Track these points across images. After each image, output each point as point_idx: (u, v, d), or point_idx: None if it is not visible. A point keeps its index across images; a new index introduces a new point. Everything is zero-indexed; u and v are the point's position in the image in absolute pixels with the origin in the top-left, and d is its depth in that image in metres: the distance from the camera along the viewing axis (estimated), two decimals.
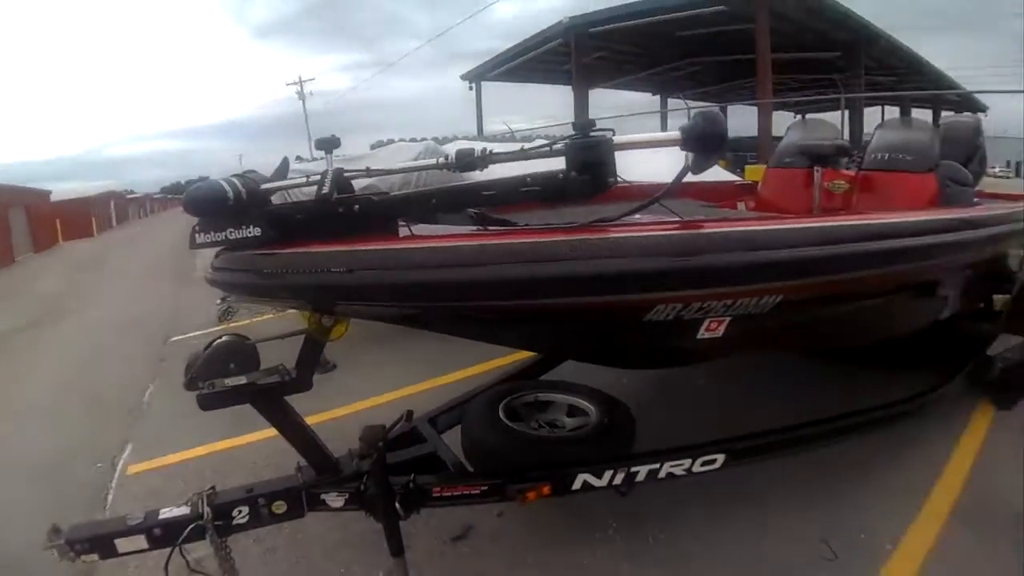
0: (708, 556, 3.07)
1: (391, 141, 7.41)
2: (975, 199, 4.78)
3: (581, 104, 23.70)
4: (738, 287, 2.32)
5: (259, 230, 2.16)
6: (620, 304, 2.21)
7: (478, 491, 2.72)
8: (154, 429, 4.85)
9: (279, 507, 2.57)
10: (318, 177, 2.28)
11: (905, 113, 23.96)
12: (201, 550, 2.53)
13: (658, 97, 32.57)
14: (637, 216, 2.47)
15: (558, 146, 2.26)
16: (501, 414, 3.14)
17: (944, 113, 23.06)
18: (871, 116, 26.72)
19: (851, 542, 3.12)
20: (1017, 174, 38.14)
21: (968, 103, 27.70)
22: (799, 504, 3.43)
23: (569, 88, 25.44)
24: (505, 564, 3.06)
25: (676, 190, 2.46)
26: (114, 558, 2.40)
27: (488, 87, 28.92)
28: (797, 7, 16.53)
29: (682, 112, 24.48)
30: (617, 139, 2.26)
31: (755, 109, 18.60)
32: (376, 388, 5.15)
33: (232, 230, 2.16)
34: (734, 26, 18.27)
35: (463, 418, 3.27)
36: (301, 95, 45.18)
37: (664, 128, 22.73)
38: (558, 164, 2.23)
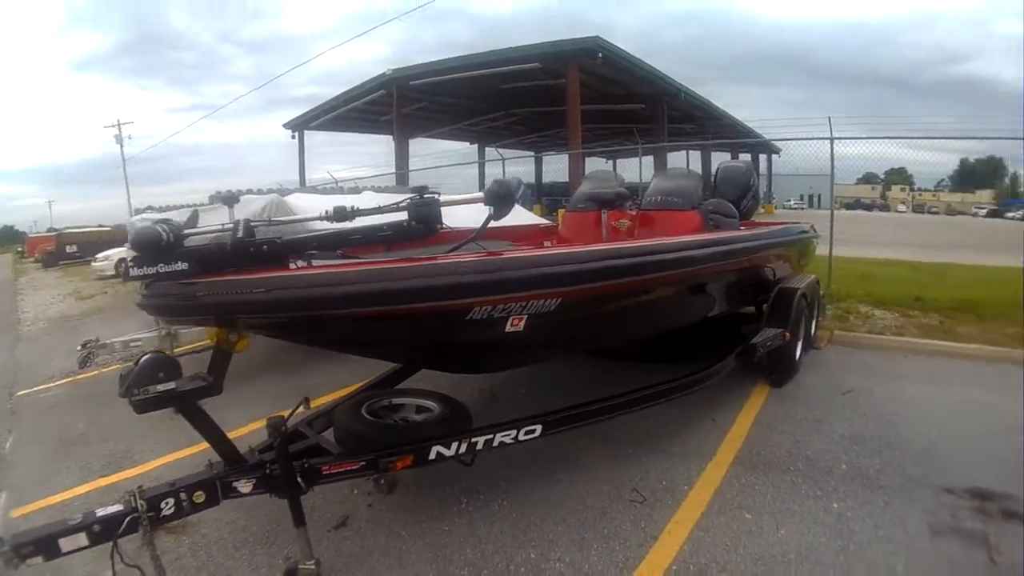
0: (544, 509, 3.89)
1: (229, 192, 7.74)
2: (739, 227, 6.11)
3: (402, 153, 24.41)
4: (526, 292, 3.21)
5: (186, 264, 2.78)
6: (450, 307, 3.01)
7: (357, 466, 3.32)
8: (24, 476, 4.84)
9: (199, 497, 3.01)
10: (230, 225, 3.11)
11: (705, 157, 26.76)
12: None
13: (476, 146, 33.95)
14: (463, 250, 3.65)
15: (403, 204, 3.45)
16: (364, 413, 3.81)
17: (742, 156, 25.93)
18: (677, 159, 29.59)
19: (655, 488, 4.11)
20: (810, 205, 43.11)
21: (764, 146, 31.31)
22: (612, 465, 4.42)
23: (390, 137, 26.14)
24: (383, 537, 3.66)
25: (486, 233, 3.71)
26: (58, 557, 2.67)
27: (309, 135, 29.00)
28: (604, 65, 18.16)
29: (498, 161, 25.94)
30: (443, 198, 3.52)
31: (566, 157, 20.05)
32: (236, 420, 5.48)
33: (163, 265, 2.75)
34: (547, 81, 19.76)
35: (333, 419, 3.89)
36: (119, 139, 42.98)
37: (482, 176, 24.16)
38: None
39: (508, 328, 3.26)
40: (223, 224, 3.21)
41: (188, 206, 8.80)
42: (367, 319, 2.90)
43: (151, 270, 2.76)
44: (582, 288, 3.47)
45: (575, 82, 18.16)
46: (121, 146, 44.21)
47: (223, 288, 2.72)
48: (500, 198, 3.39)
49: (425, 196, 3.40)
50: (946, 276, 12.15)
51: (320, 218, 3.48)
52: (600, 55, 17.52)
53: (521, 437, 3.69)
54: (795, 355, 6.32)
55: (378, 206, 3.58)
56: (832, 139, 11.20)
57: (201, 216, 4.71)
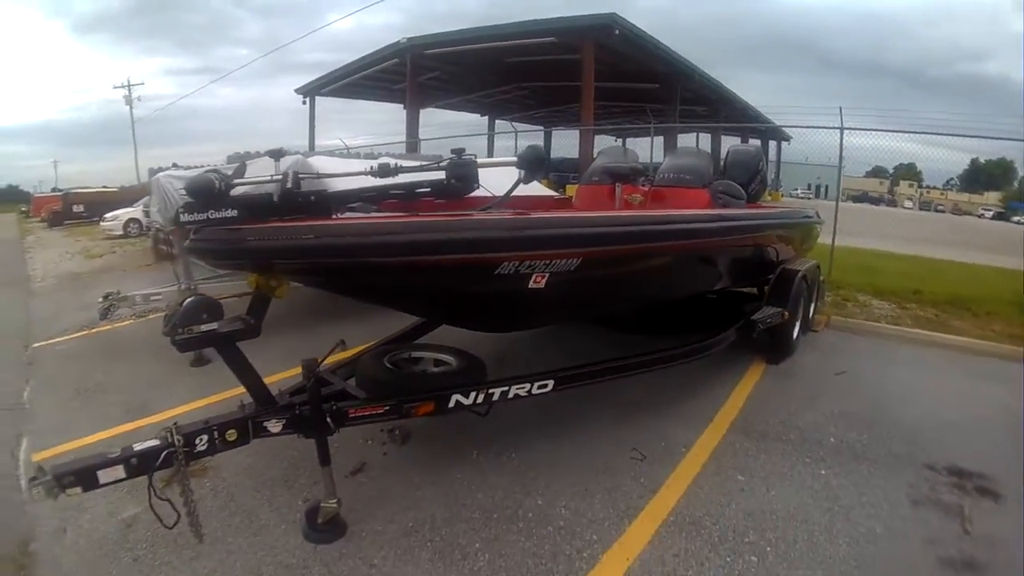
0: (550, 463, 4.17)
1: (247, 153, 7.93)
2: (744, 208, 6.36)
3: (413, 122, 24.26)
4: (549, 250, 3.42)
5: (235, 211, 2.98)
6: (481, 260, 3.20)
7: (382, 410, 3.52)
8: (43, 423, 4.92)
9: (231, 435, 3.16)
10: (279, 177, 3.28)
11: (716, 140, 26.75)
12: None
13: (486, 119, 33.95)
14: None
15: (443, 163, 3.58)
16: (386, 363, 4.04)
17: (752, 141, 25.97)
18: (687, 140, 29.51)
19: (655, 448, 4.40)
20: (817, 196, 43.10)
21: (774, 133, 31.27)
22: (615, 427, 4.71)
23: (397, 106, 26.14)
24: (398, 483, 3.91)
25: (511, 200, 3.94)
26: (95, 489, 2.80)
27: (319, 101, 28.75)
28: (620, 42, 18.07)
29: (510, 134, 25.99)
30: (480, 160, 3.62)
31: (578, 133, 20.16)
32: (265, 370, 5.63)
33: (213, 211, 2.95)
34: (562, 56, 19.66)
35: (357, 368, 4.13)
36: (129, 100, 42.65)
37: (491, 147, 24.27)
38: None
39: (531, 284, 3.46)
40: (271, 175, 3.37)
41: (210, 166, 8.93)
42: (404, 269, 3.07)
43: (202, 216, 2.95)
44: (600, 250, 3.71)
45: (590, 58, 18.03)
46: (131, 107, 44.17)
47: (272, 234, 2.87)
48: (532, 162, 3.57)
49: (464, 157, 3.56)
50: (945, 272, 12.33)
51: (366, 173, 3.61)
52: (617, 32, 17.39)
53: (535, 391, 3.91)
54: (792, 335, 6.59)
55: (419, 164, 3.81)
56: (842, 129, 11.25)
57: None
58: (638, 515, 3.56)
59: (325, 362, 3.70)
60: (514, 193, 4.00)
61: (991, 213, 58.66)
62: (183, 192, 3.35)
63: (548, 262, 3.42)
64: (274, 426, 3.29)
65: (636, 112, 26.10)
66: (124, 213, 22.89)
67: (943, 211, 55.78)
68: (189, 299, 3.17)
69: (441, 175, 3.55)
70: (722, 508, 3.65)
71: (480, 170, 3.59)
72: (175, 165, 10.36)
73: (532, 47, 19.52)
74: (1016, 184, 79.36)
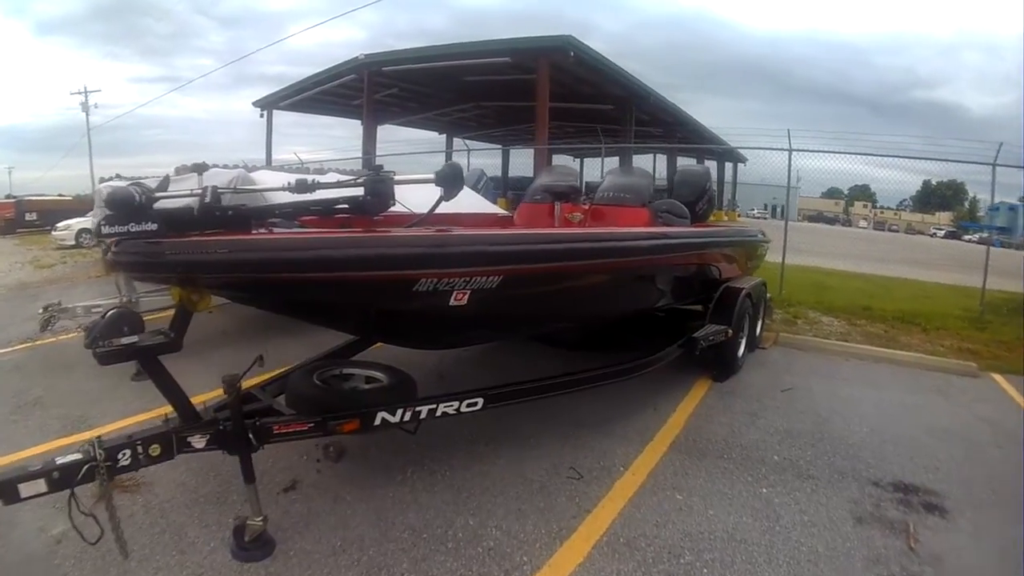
0: (484, 482, 4.02)
1: (204, 164, 7.79)
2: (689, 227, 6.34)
3: (370, 139, 24.19)
4: (469, 268, 3.34)
5: (155, 225, 2.85)
6: (399, 277, 3.13)
7: (307, 427, 3.41)
8: None
9: (155, 450, 3.06)
10: (199, 191, 3.20)
11: (671, 162, 27.05)
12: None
13: (444, 136, 33.90)
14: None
15: (360, 180, 3.54)
16: (316, 380, 3.88)
17: (708, 163, 26.25)
18: (644, 161, 29.76)
19: (593, 467, 4.26)
20: (773, 215, 43.86)
21: (731, 155, 31.71)
22: (553, 444, 4.58)
23: (358, 122, 25.96)
24: (329, 502, 3.75)
25: (444, 218, 3.89)
26: (17, 502, 2.72)
27: (278, 115, 28.55)
28: (575, 63, 18.23)
29: (464, 152, 26.04)
30: (396, 177, 3.53)
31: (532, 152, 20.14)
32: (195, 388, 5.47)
33: (134, 224, 2.81)
34: (518, 76, 19.77)
35: (286, 384, 3.98)
36: (86, 107, 41.85)
37: None
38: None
39: (452, 302, 3.38)
40: (192, 190, 3.30)
41: (155, 177, 8.73)
42: (321, 284, 2.99)
43: (122, 228, 2.82)
44: (522, 268, 3.61)
45: (545, 78, 18.18)
46: (87, 114, 43.21)
47: (188, 248, 2.79)
48: (450, 179, 3.47)
49: (381, 174, 3.51)
50: (896, 290, 12.55)
51: (283, 188, 3.57)
52: (572, 54, 17.54)
53: (463, 408, 3.80)
54: (738, 352, 6.55)
55: (337, 180, 3.72)
56: (790, 151, 11.50)
57: (172, 183, 4.78)
58: (571, 536, 3.43)
59: (257, 378, 3.70)
60: (459, 211, 3.92)
61: (943, 232, 60.27)
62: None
63: (468, 279, 3.35)
64: (198, 441, 3.20)
65: (592, 132, 26.27)
66: (76, 223, 22.34)
67: (897, 231, 57.15)
68: (110, 311, 3.06)
69: (360, 191, 3.51)
70: (658, 528, 3.53)
71: (408, 190, 3.60)
72: (118, 176, 10.09)
73: (489, 66, 19.61)
74: (967, 204, 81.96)
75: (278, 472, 4.01)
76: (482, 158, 26.57)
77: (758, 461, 4.43)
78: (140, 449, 3.02)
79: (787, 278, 10.78)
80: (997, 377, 7.24)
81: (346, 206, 3.59)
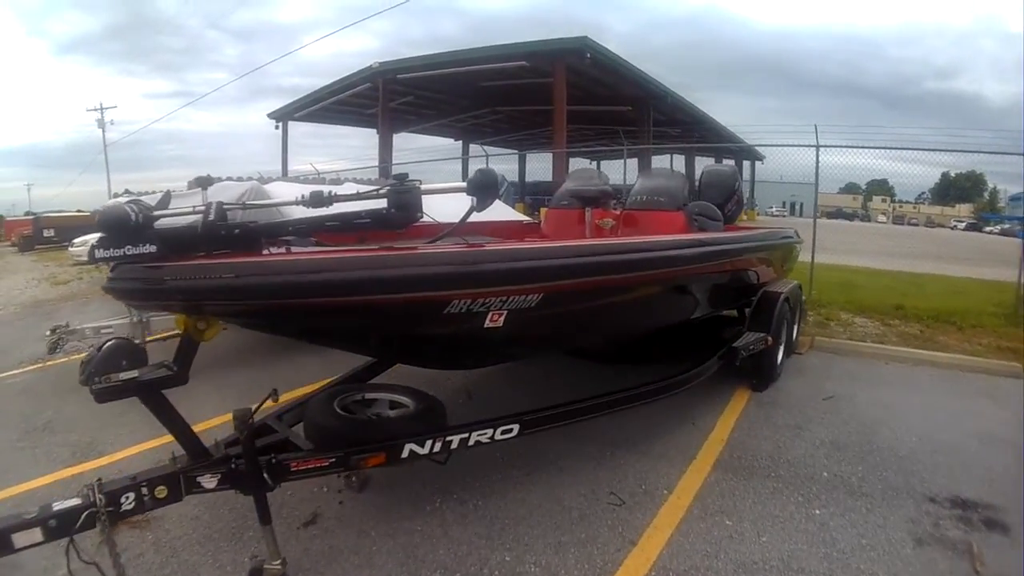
0: (520, 512, 3.76)
1: (208, 177, 7.62)
2: (724, 230, 6.06)
3: (386, 147, 24.09)
4: (507, 286, 3.10)
5: (155, 247, 2.62)
6: (428, 300, 2.88)
7: (327, 463, 3.18)
8: None
9: (161, 492, 2.86)
10: (202, 208, 2.91)
11: (690, 161, 26.73)
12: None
13: (460, 143, 33.80)
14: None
15: (383, 191, 3.18)
16: (336, 407, 3.65)
17: (726, 162, 25.97)
18: (661, 162, 29.55)
19: (634, 491, 4.01)
20: (792, 213, 43.44)
21: (748, 152, 31.39)
22: (590, 468, 4.32)
23: (373, 131, 25.88)
24: (352, 537, 3.52)
25: (468, 227, 3.44)
26: (11, 553, 2.54)
27: (293, 126, 28.63)
28: (591, 65, 18.07)
29: (482, 158, 25.82)
30: (424, 187, 3.20)
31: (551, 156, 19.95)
32: (213, 411, 5.33)
33: (130, 247, 2.59)
34: (534, 79, 19.64)
35: (305, 413, 3.73)
36: (102, 124, 42.26)
37: (465, 172, 24.10)
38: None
39: (488, 323, 3.14)
40: (194, 206, 3.05)
41: (159, 192, 8.59)
42: (340, 310, 2.76)
43: (118, 252, 2.60)
44: (564, 284, 3.36)
45: (561, 81, 18.06)
46: (103, 131, 43.74)
47: (191, 272, 2.57)
48: (483, 188, 3.16)
49: (406, 183, 3.20)
50: (926, 286, 12.26)
51: (296, 203, 3.30)
52: (588, 55, 17.42)
53: (498, 436, 3.57)
54: (777, 360, 6.27)
55: (356, 192, 3.41)
56: (818, 147, 11.20)
57: (175, 200, 4.53)
58: (617, 570, 3.19)
59: (268, 408, 3.34)
60: (482, 218, 3.61)
61: (963, 224, 59.35)
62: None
63: (505, 299, 3.11)
64: (208, 481, 2.99)
65: (609, 134, 26.10)
66: (93, 238, 22.29)
67: (916, 224, 56.29)
68: (106, 343, 2.83)
69: (382, 204, 3.20)
70: (710, 560, 3.28)
71: (429, 197, 3.24)
72: (127, 191, 10.01)
73: (504, 71, 19.53)
74: (987, 195, 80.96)
75: (297, 504, 3.80)
76: (498, 163, 26.39)
77: (808, 479, 4.19)
78: (145, 491, 2.84)
79: (815, 278, 10.50)
80: None
81: (367, 221, 3.27)
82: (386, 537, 3.51)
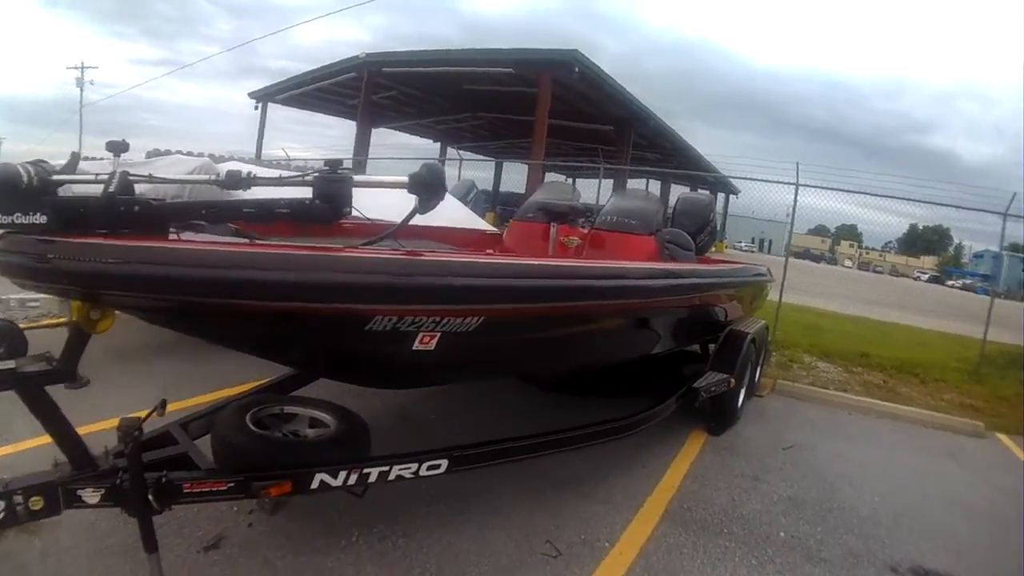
0: (444, 556, 3.33)
1: (168, 152, 7.18)
2: (695, 261, 5.75)
3: (363, 140, 23.66)
4: (440, 305, 2.68)
5: (45, 218, 2.20)
6: (346, 312, 2.47)
7: (225, 487, 2.77)
8: None
9: (36, 503, 2.44)
10: (105, 176, 2.46)
11: (666, 188, 26.64)
12: None
13: (438, 145, 33.40)
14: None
15: (308, 178, 2.74)
16: (248, 421, 3.17)
17: (701, 191, 25.97)
18: (638, 186, 29.45)
19: (573, 542, 3.57)
20: (760, 249, 43.76)
21: (723, 185, 31.46)
22: (527, 509, 3.86)
23: (354, 123, 25.40)
24: (257, 567, 3.11)
25: (420, 231, 2.96)
26: None
27: (275, 109, 27.83)
28: (579, 80, 17.85)
29: (455, 161, 25.45)
30: (357, 178, 2.78)
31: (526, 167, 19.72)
32: (131, 405, 4.86)
33: (20, 215, 2.18)
34: (519, 88, 19.39)
35: (213, 424, 3.27)
36: (80, 83, 41.10)
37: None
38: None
39: (417, 345, 2.75)
40: (96, 174, 2.60)
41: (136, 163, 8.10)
42: (242, 313, 2.37)
43: (5, 219, 2.19)
44: (510, 308, 2.95)
45: (546, 92, 17.80)
46: (81, 90, 42.40)
47: (77, 252, 2.16)
48: (427, 186, 2.66)
49: (339, 171, 2.76)
50: (891, 335, 12.30)
51: (208, 182, 2.87)
52: (577, 69, 17.18)
53: (423, 472, 3.17)
54: (738, 403, 5.93)
55: (279, 176, 2.91)
56: (797, 185, 11.09)
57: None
58: None
59: (183, 404, 2.95)
60: (440, 224, 3.16)
61: (926, 276, 60.75)
62: None
63: (438, 320, 2.70)
64: (90, 496, 2.56)
65: (588, 152, 25.92)
66: None
67: (881, 272, 57.28)
68: None
69: (308, 193, 2.75)
70: None
71: (382, 194, 2.80)
72: (73, 154, 9.46)
73: (490, 76, 19.29)
74: (951, 250, 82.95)
75: (203, 522, 3.33)
76: (473, 170, 26.07)
77: (763, 539, 3.85)
78: (19, 500, 2.39)
79: (781, 317, 10.30)
80: (1003, 438, 6.96)
81: (287, 211, 2.78)
82: (293, 571, 3.10)
